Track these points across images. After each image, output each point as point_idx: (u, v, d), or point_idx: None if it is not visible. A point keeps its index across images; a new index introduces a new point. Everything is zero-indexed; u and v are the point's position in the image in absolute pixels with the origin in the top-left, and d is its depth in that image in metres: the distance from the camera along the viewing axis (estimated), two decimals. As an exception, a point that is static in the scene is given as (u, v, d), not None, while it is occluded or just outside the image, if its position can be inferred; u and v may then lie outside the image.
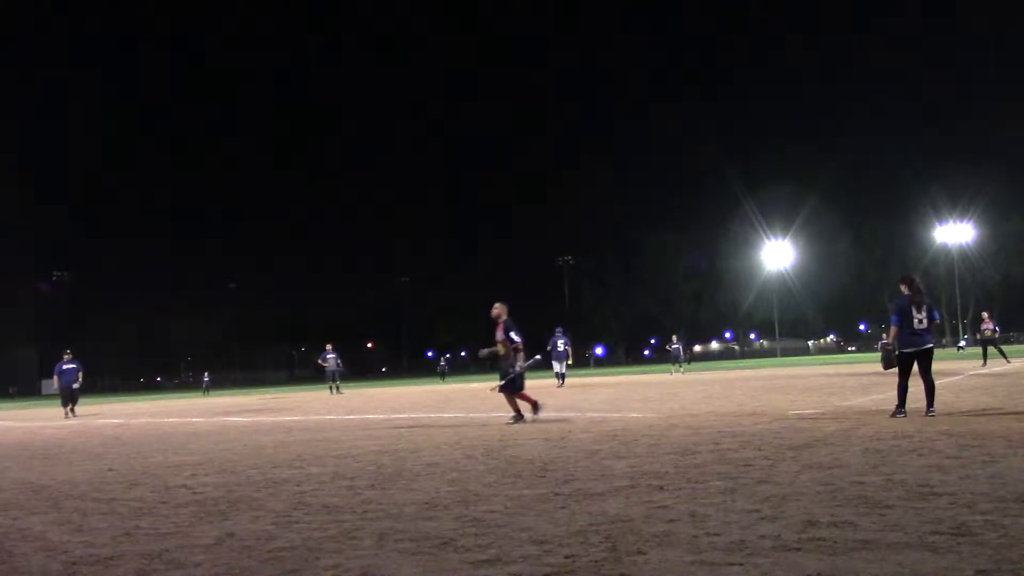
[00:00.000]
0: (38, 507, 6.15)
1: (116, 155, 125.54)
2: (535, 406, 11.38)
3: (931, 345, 9.48)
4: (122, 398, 47.85)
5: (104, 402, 38.49)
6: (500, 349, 11.46)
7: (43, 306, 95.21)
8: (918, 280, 9.74)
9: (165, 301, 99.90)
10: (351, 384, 47.19)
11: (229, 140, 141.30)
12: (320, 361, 31.55)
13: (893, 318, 9.62)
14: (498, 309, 11.60)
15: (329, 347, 30.64)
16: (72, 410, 21.87)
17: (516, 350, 11.30)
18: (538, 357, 14.06)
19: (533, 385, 27.96)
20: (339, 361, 30.99)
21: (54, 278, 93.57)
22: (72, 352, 22.31)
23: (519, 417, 11.23)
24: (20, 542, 4.87)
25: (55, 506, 6.14)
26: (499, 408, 15.49)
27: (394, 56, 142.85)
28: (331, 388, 30.36)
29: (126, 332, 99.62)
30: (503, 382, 11.30)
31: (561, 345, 25.46)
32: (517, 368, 11.22)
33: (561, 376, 25.11)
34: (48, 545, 4.73)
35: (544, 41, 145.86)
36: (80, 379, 22.20)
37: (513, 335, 11.32)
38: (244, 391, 50.90)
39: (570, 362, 26.13)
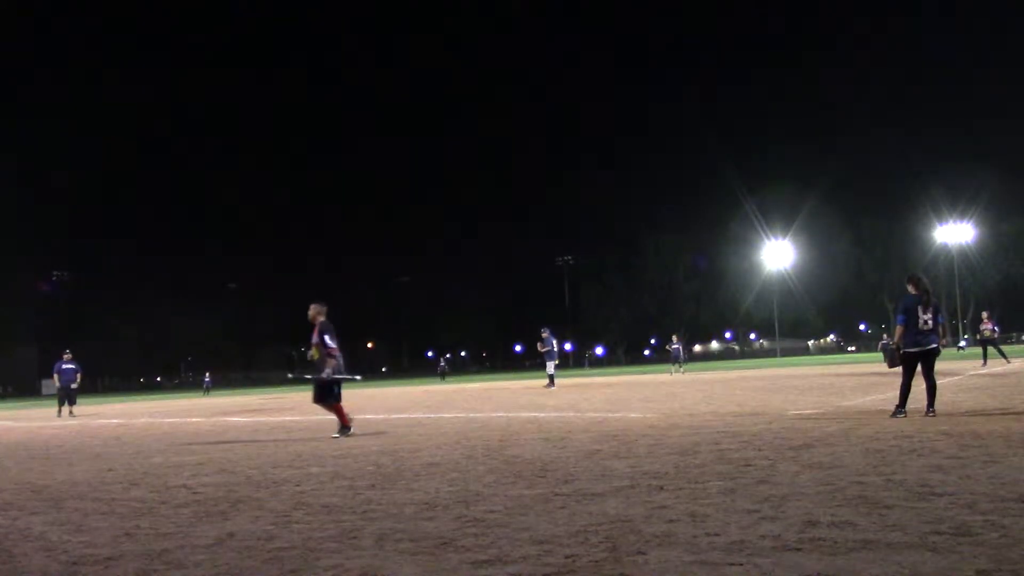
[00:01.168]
0: (38, 507, 6.14)
1: (116, 155, 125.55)
2: (344, 427, 10.51)
3: (936, 346, 9.45)
4: (122, 398, 47.85)
5: (104, 402, 38.49)
6: (314, 353, 10.55)
7: (43, 306, 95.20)
8: (925, 280, 9.69)
9: (165, 301, 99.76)
10: (354, 384, 47.12)
11: (229, 140, 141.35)
12: None
13: (899, 317, 9.51)
14: (314, 310, 10.63)
15: None
16: (71, 411, 22.05)
17: (330, 355, 10.34)
18: (358, 377, 12.86)
19: (526, 385, 28.04)
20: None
21: (54, 278, 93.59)
22: (72, 352, 22.46)
23: (346, 429, 10.47)
24: (20, 542, 4.87)
25: (55, 506, 6.14)
26: (500, 408, 15.49)
27: (393, 55, 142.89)
28: None
29: (126, 332, 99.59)
30: (317, 390, 10.44)
31: (554, 345, 25.80)
32: (325, 375, 10.30)
33: (551, 376, 25.28)
34: (48, 545, 4.73)
35: (543, 41, 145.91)
36: (78, 379, 22.42)
37: (328, 339, 10.35)
38: (244, 391, 50.88)
39: (556, 362, 26.16)
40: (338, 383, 10.59)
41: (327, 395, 10.49)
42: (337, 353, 10.45)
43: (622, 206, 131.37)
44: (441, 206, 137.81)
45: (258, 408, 21.97)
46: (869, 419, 9.31)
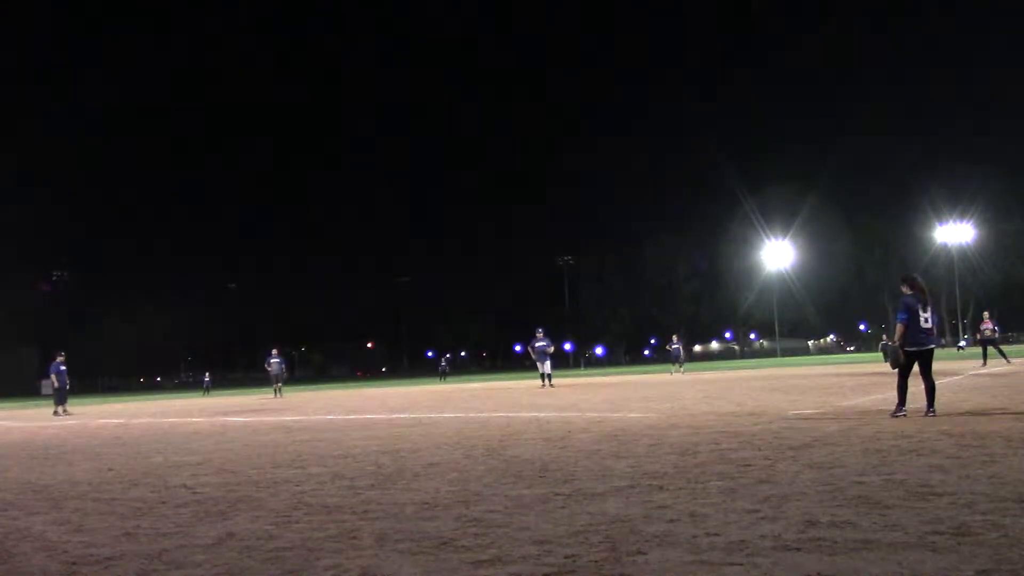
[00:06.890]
0: (38, 507, 6.15)
1: (116, 155, 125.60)
2: None
3: (934, 346, 9.46)
4: (122, 398, 47.83)
5: (104, 402, 38.49)
6: None
7: (43, 306, 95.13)
8: (921, 280, 9.66)
9: (165, 301, 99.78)
10: (354, 384, 47.17)
11: (229, 140, 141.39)
12: (266, 365, 32.06)
13: (900, 315, 9.40)
14: None
15: (275, 351, 31.59)
16: (64, 409, 23.01)
17: None
18: None
19: (521, 386, 27.99)
20: (283, 365, 32.02)
21: (54, 278, 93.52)
22: (70, 352, 23.37)
23: None
24: (20, 542, 4.87)
25: (55, 506, 6.14)
26: (500, 408, 15.49)
27: (394, 56, 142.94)
28: (275, 391, 30.49)
29: (126, 332, 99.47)
30: None
31: (550, 347, 25.94)
32: None
33: (547, 376, 25.32)
34: (48, 545, 4.73)
35: (544, 41, 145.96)
36: (67, 380, 23.71)
37: None
38: (244, 391, 50.86)
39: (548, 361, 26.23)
40: None
41: None
42: None
43: (622, 206, 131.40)
44: (441, 206, 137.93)
45: (258, 408, 21.96)
46: (869, 419, 9.31)
